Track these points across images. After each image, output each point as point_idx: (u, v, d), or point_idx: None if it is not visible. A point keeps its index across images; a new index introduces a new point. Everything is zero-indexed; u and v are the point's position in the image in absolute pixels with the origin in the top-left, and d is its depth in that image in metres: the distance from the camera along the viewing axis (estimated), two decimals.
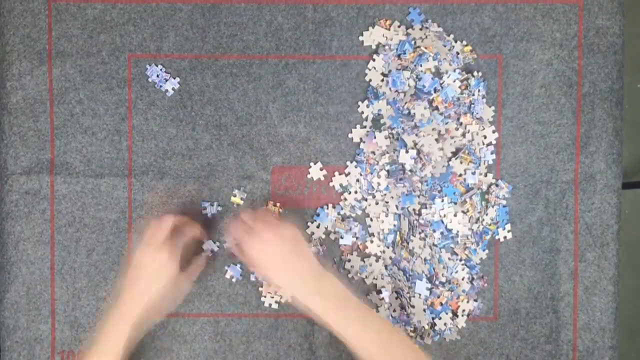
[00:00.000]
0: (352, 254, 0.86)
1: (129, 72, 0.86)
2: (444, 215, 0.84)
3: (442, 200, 0.83)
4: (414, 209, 0.84)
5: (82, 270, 0.86)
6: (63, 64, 0.85)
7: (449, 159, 0.84)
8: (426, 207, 0.84)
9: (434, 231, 0.84)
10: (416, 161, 0.83)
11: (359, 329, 0.69)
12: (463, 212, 0.84)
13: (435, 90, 0.84)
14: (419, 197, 0.84)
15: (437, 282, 0.85)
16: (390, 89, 0.84)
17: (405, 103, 0.84)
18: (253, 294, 0.86)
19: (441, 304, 0.85)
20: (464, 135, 0.85)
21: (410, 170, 0.84)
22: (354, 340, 0.68)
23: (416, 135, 0.84)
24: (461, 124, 0.85)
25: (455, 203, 0.84)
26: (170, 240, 0.74)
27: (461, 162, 0.84)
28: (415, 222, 0.84)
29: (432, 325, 0.85)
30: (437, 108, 0.84)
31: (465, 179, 0.84)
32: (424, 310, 0.84)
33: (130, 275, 0.74)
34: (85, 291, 0.86)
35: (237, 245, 0.76)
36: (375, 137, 0.84)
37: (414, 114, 0.84)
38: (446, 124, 0.84)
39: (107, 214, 0.86)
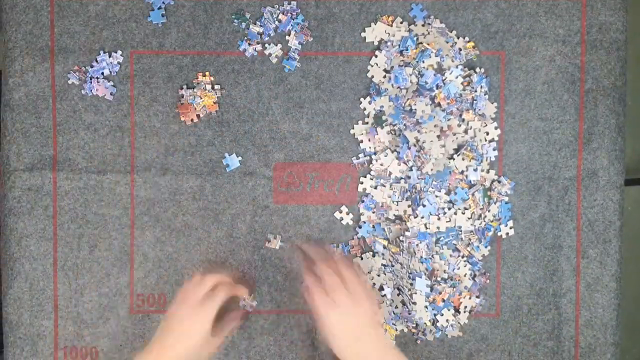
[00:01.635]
0: (359, 255, 0.86)
1: (131, 69, 0.86)
2: (440, 218, 0.84)
3: (426, 206, 0.83)
4: (400, 216, 0.84)
5: (85, 266, 0.86)
6: (65, 60, 0.85)
7: (451, 156, 0.84)
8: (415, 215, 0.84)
9: (420, 241, 0.83)
10: (416, 159, 0.83)
11: None
12: (465, 208, 0.84)
13: (437, 87, 0.84)
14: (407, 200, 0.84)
15: (438, 279, 0.85)
16: (392, 85, 0.84)
17: (407, 99, 0.84)
18: (254, 290, 0.87)
19: (443, 300, 0.85)
20: (466, 131, 0.84)
21: (410, 169, 0.84)
22: None
23: (418, 131, 0.84)
24: (463, 120, 0.84)
25: (448, 207, 0.84)
26: (208, 298, 0.74)
27: (463, 159, 0.84)
28: (402, 233, 0.84)
29: (434, 321, 0.85)
30: (439, 104, 0.84)
31: (467, 176, 0.84)
32: (426, 307, 0.84)
33: (162, 328, 0.73)
34: (88, 287, 0.86)
35: (310, 297, 0.73)
36: (377, 134, 0.84)
37: (416, 110, 0.84)
38: (448, 120, 0.84)
39: (110, 210, 0.86)
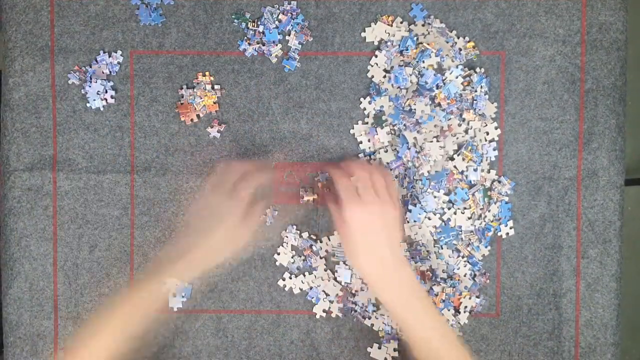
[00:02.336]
0: None
1: (130, 69, 0.86)
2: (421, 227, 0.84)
3: (416, 207, 0.84)
4: None
5: (85, 266, 0.86)
6: (65, 60, 0.85)
7: (451, 157, 0.84)
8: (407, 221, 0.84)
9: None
10: (414, 159, 0.83)
11: (419, 325, 0.73)
12: (465, 208, 0.84)
13: (437, 87, 0.84)
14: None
15: (438, 279, 0.85)
16: (392, 85, 0.84)
17: (407, 99, 0.84)
18: (255, 290, 0.87)
19: (442, 300, 0.84)
20: (466, 131, 0.84)
21: (408, 168, 0.84)
22: (410, 333, 0.73)
23: (418, 132, 0.84)
24: (464, 120, 0.84)
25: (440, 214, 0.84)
26: (237, 185, 0.74)
27: (463, 159, 0.84)
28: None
29: None
30: (439, 104, 0.84)
31: (467, 176, 0.84)
32: None
33: (192, 217, 0.74)
34: (88, 287, 0.86)
35: (335, 199, 0.74)
36: (376, 134, 0.84)
37: (415, 110, 0.83)
38: (448, 120, 0.84)
39: (110, 210, 0.86)
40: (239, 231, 0.74)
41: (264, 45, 0.85)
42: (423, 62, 0.84)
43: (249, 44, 0.85)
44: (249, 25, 0.84)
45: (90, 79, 0.85)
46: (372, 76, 0.85)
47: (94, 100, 0.84)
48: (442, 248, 0.85)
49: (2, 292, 0.87)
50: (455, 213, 0.84)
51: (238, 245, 0.75)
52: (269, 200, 0.83)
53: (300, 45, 0.85)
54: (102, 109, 0.85)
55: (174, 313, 0.86)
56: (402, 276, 0.73)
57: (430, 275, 0.84)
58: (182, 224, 0.73)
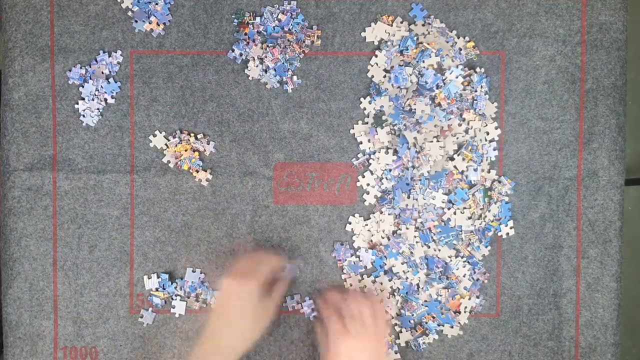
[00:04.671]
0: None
1: (131, 69, 0.86)
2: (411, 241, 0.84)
3: (408, 229, 0.84)
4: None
5: (85, 266, 0.86)
6: (65, 60, 0.85)
7: (451, 157, 0.84)
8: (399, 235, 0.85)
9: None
10: (414, 159, 0.83)
11: None
12: (465, 208, 0.84)
13: (437, 87, 0.84)
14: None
15: (436, 279, 0.85)
16: (392, 85, 0.84)
17: (407, 99, 0.84)
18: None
19: (437, 300, 0.84)
20: (466, 131, 0.84)
21: (407, 168, 0.84)
22: None
23: (418, 132, 0.84)
24: (464, 119, 0.84)
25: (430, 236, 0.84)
26: (252, 269, 0.76)
27: (463, 159, 0.84)
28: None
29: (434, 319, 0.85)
30: (439, 104, 0.84)
31: (467, 176, 0.84)
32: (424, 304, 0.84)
33: (217, 309, 0.75)
34: (88, 287, 0.86)
35: (323, 321, 0.76)
36: (377, 134, 0.84)
37: (415, 110, 0.83)
38: (449, 120, 0.84)
39: (110, 210, 0.86)
40: (264, 310, 0.75)
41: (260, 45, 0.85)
42: (423, 61, 0.84)
43: (238, 50, 0.85)
44: (241, 28, 0.84)
45: (90, 77, 0.85)
46: (372, 76, 0.85)
47: (90, 116, 0.85)
48: (442, 247, 0.84)
49: (2, 292, 0.87)
50: (455, 213, 0.84)
51: (266, 323, 0.76)
52: (285, 281, 0.83)
53: (298, 82, 0.85)
54: (93, 124, 0.85)
55: (174, 313, 0.86)
56: None
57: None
58: (208, 321, 0.75)
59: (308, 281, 0.86)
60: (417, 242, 0.84)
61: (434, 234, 0.84)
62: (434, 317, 0.85)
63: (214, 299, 0.84)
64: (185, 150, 0.85)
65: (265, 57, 0.84)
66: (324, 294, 0.83)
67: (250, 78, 0.85)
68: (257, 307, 0.74)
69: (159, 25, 0.85)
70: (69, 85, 0.85)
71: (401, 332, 0.85)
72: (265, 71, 0.84)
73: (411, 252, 0.85)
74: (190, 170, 0.85)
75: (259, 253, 0.84)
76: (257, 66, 0.84)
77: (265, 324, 0.76)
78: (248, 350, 0.74)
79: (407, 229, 0.84)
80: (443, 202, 0.84)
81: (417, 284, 0.85)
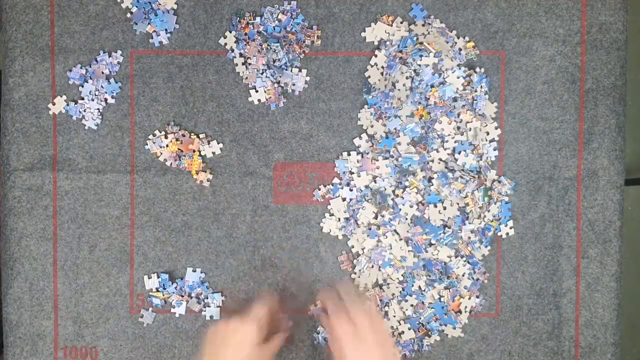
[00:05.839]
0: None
1: (130, 68, 0.86)
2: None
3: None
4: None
5: (85, 266, 0.86)
6: (65, 60, 0.85)
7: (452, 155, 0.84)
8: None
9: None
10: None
11: None
12: (465, 207, 0.84)
13: (432, 86, 0.83)
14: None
15: (435, 280, 0.85)
16: (385, 78, 0.84)
17: (398, 99, 0.84)
18: (255, 290, 0.86)
19: (438, 299, 0.85)
20: (462, 133, 0.84)
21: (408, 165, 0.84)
22: None
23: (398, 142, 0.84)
24: (461, 120, 0.84)
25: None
26: (252, 312, 0.73)
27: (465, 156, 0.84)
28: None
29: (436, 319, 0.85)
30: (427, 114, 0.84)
31: (463, 163, 0.84)
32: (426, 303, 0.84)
33: (210, 349, 0.72)
34: (88, 287, 0.86)
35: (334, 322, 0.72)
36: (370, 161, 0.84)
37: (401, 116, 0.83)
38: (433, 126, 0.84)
39: (110, 210, 0.86)
40: (261, 357, 0.72)
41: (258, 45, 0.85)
42: (420, 57, 0.83)
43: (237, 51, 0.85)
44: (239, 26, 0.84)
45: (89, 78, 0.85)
46: (369, 76, 0.85)
47: (90, 119, 0.85)
48: (441, 246, 0.85)
49: (2, 292, 0.87)
50: (436, 206, 0.83)
51: None
52: (284, 329, 0.80)
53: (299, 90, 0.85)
54: (93, 124, 0.85)
55: (174, 313, 0.86)
56: None
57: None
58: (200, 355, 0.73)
59: (308, 281, 0.86)
60: (409, 250, 0.84)
61: (429, 242, 0.84)
62: (437, 318, 0.85)
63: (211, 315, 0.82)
64: (183, 150, 0.85)
65: (254, 57, 0.84)
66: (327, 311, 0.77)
67: (242, 77, 0.85)
68: (254, 351, 0.71)
69: (159, 35, 0.85)
70: (69, 85, 0.85)
71: (403, 333, 0.85)
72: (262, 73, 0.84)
73: (402, 264, 0.84)
74: (191, 170, 0.85)
75: (265, 297, 0.78)
76: (250, 72, 0.84)
77: None
78: None
79: (385, 237, 0.84)
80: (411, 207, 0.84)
81: (419, 286, 0.85)
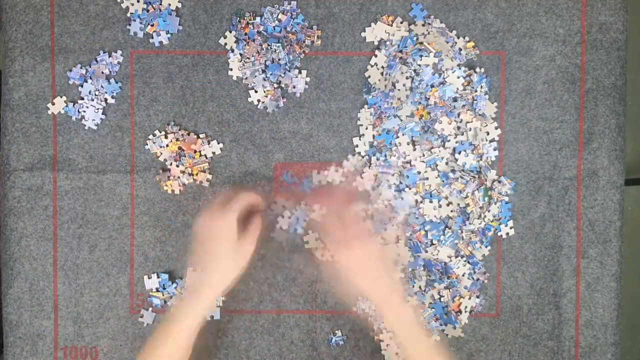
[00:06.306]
0: None
1: (131, 68, 0.86)
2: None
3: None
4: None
5: (85, 266, 0.86)
6: (65, 60, 0.85)
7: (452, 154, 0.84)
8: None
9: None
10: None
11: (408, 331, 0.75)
12: (465, 207, 0.84)
13: (432, 86, 0.83)
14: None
15: (436, 280, 0.85)
16: (385, 78, 0.84)
17: (398, 99, 0.84)
18: (255, 290, 0.87)
19: (438, 299, 0.84)
20: (462, 133, 0.84)
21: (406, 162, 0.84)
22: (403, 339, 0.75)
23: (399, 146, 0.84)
24: (461, 120, 0.84)
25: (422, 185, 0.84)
26: (226, 207, 0.75)
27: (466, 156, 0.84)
28: None
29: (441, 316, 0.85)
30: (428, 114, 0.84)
31: (457, 159, 0.84)
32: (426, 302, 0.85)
33: (195, 244, 0.77)
34: (88, 287, 0.86)
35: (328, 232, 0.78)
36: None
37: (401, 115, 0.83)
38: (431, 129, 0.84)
39: (110, 210, 0.86)
40: (239, 247, 0.75)
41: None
42: (420, 57, 0.83)
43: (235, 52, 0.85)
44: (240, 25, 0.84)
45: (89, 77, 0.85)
46: (369, 76, 0.85)
47: (91, 119, 0.85)
48: (441, 246, 0.85)
49: (2, 292, 0.87)
50: (431, 201, 0.84)
51: (243, 263, 0.76)
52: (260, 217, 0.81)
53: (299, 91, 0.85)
54: (96, 126, 0.85)
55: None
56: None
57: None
58: (190, 258, 0.78)
59: (308, 281, 0.86)
60: (408, 251, 0.84)
61: (428, 241, 0.84)
62: (437, 318, 0.85)
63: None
64: (185, 149, 0.85)
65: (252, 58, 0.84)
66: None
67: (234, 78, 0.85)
68: (233, 246, 0.74)
69: (159, 35, 0.85)
70: (69, 85, 0.85)
71: None
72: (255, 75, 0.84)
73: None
74: (190, 170, 0.85)
75: (236, 191, 0.80)
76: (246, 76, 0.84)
77: (246, 258, 0.76)
78: (235, 284, 0.75)
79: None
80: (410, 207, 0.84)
81: (420, 286, 0.85)
